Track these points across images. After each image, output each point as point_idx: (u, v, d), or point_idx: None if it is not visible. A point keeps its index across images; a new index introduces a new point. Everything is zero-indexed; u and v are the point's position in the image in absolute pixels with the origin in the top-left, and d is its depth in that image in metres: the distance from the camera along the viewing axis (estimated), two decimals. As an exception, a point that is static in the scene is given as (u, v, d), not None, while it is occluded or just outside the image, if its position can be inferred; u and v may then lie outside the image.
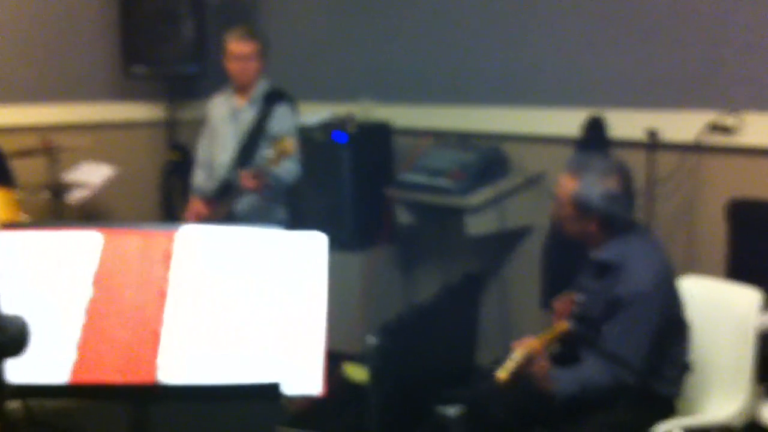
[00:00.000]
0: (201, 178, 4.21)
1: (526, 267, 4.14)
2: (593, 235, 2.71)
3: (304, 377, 1.66)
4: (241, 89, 4.06)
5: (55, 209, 4.86)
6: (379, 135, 4.65)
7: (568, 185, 2.69)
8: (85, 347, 1.70)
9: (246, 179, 3.75)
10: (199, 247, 1.82)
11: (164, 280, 1.77)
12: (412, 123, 4.60)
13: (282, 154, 3.68)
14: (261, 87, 4.06)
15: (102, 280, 1.78)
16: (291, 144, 3.68)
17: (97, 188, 5.00)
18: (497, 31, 4.20)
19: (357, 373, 4.08)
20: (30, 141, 4.76)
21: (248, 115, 4.04)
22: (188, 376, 1.65)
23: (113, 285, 1.77)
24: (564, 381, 2.57)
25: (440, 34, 4.47)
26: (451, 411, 3.54)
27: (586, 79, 3.85)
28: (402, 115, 4.62)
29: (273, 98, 4.05)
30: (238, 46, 3.96)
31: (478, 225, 4.01)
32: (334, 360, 4.20)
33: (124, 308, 1.74)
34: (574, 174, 2.69)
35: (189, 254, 1.81)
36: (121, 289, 1.76)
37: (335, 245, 4.42)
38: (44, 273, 1.79)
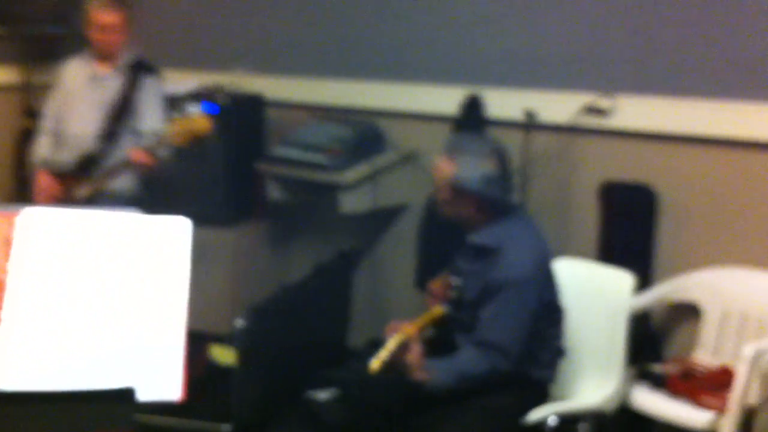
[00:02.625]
0: (46, 150, 3.85)
1: (400, 246, 4.08)
2: (471, 218, 2.65)
3: (162, 380, 1.48)
4: (104, 57, 3.78)
5: None
6: (251, 107, 4.46)
7: (445, 168, 2.62)
8: None
9: (138, 154, 3.48)
10: (43, 232, 1.60)
11: (2, 269, 1.55)
12: (286, 96, 4.44)
13: (195, 134, 3.43)
14: (126, 56, 3.79)
15: None
16: (208, 123, 3.43)
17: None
18: (377, 4, 4.08)
19: (224, 355, 3.92)
20: None
21: (111, 84, 3.76)
22: (30, 381, 1.45)
23: None
24: (439, 371, 2.51)
25: (317, 4, 4.31)
26: (323, 395, 3.44)
27: (464, 57, 3.79)
28: (275, 88, 4.45)
29: (139, 68, 3.79)
30: (102, 16, 3.67)
31: (352, 202, 3.91)
32: (200, 341, 4.07)
33: None
34: (451, 156, 2.62)
35: (32, 240, 1.59)
36: None
37: (204, 220, 4.25)
38: None
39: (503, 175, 2.63)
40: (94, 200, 3.63)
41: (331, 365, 3.87)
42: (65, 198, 3.65)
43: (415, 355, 2.47)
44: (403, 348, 2.43)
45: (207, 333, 4.16)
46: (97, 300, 1.53)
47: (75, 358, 1.47)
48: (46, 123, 3.89)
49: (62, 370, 1.45)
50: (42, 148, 3.84)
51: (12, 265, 1.55)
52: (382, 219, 4.14)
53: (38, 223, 1.60)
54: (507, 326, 2.52)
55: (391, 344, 2.42)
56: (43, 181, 3.72)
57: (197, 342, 4.12)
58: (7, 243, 1.57)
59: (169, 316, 1.53)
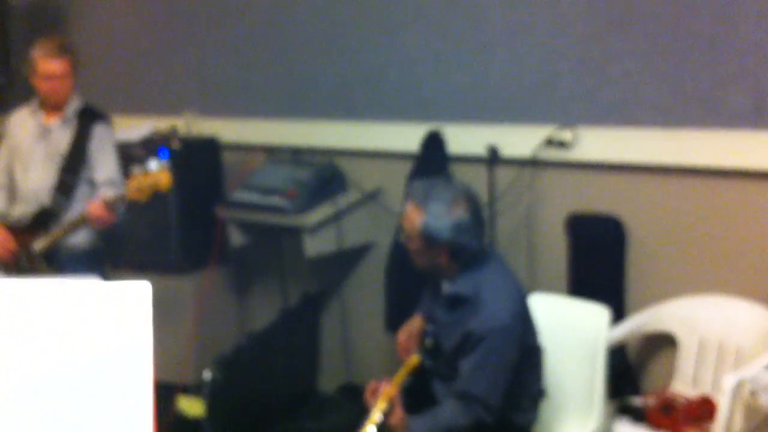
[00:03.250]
0: (1, 203, 3.74)
1: (367, 286, 4.01)
2: (444, 267, 2.58)
3: None
4: (51, 107, 3.67)
5: None
6: (205, 151, 4.38)
7: (414, 218, 2.55)
8: None
9: (98, 208, 3.37)
10: None
11: None
12: (242, 138, 4.37)
13: (156, 190, 3.34)
14: (74, 104, 3.68)
15: None
16: (169, 178, 3.34)
17: None
18: (331, 41, 4.04)
19: (191, 407, 3.82)
20: None
21: (62, 134, 3.64)
22: None
23: None
24: (423, 428, 2.45)
25: (270, 42, 4.25)
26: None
27: (424, 94, 3.76)
28: (230, 130, 4.38)
29: (88, 116, 3.68)
30: (48, 65, 3.55)
31: (315, 244, 3.84)
32: (166, 392, 3.95)
33: None
34: (419, 205, 2.55)
35: None
36: None
37: (162, 269, 4.16)
38: None
39: (474, 221, 2.57)
40: (52, 254, 3.52)
41: (302, 412, 3.80)
42: (22, 253, 3.53)
43: (398, 417, 2.41)
44: (387, 412, 2.37)
45: (172, 383, 4.06)
46: (51, 376, 1.40)
47: None
48: None
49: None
50: None
51: None
52: (348, 260, 4.08)
53: None
54: (489, 377, 2.46)
55: (376, 415, 2.36)
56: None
57: (164, 393, 4.02)
58: None
59: (134, 393, 1.43)
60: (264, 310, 4.33)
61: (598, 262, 3.28)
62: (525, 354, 2.56)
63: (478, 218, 2.59)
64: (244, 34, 4.35)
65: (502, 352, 2.47)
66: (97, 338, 1.45)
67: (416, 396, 2.58)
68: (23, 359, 1.42)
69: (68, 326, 1.46)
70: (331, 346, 4.15)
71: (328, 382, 4.05)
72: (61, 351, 1.44)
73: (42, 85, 3.58)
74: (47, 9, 5.19)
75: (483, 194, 3.30)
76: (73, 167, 3.60)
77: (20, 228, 3.59)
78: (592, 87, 3.29)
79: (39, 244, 3.51)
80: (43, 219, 3.56)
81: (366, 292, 4.02)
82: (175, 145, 4.18)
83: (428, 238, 2.52)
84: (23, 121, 3.72)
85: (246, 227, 4.12)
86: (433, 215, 2.51)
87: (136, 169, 3.40)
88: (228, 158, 4.40)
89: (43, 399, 1.39)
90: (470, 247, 2.56)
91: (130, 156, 3.98)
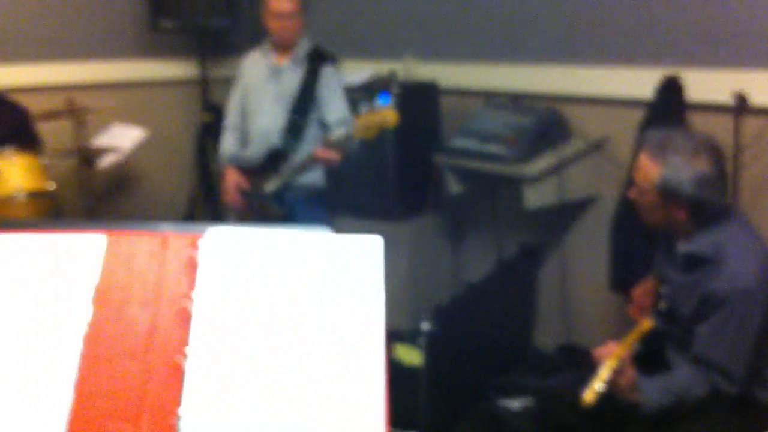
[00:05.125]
0: (233, 144, 3.86)
1: (590, 242, 3.80)
2: (681, 225, 2.37)
3: (361, 416, 1.31)
4: (282, 48, 3.72)
5: (83, 176, 4.60)
6: (424, 95, 4.32)
7: (649, 170, 2.34)
8: (83, 386, 1.32)
9: (323, 151, 3.42)
10: (231, 255, 1.45)
11: (187, 297, 1.40)
12: (461, 82, 4.25)
13: (382, 128, 3.33)
14: (304, 46, 3.72)
15: (104, 297, 1.41)
16: (395, 116, 3.31)
17: (128, 153, 4.72)
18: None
19: (409, 355, 3.81)
20: (55, 102, 4.48)
21: (292, 75, 3.70)
22: (218, 424, 1.30)
23: (119, 303, 1.40)
24: (653, 392, 2.28)
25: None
26: (515, 405, 3.27)
27: (658, 34, 3.44)
28: (449, 74, 4.27)
29: (317, 58, 3.71)
30: (279, 3, 3.62)
31: (535, 195, 3.68)
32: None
33: (135, 333, 1.37)
34: (655, 156, 2.34)
35: (219, 264, 1.43)
36: (129, 309, 1.40)
37: (378, 214, 4.17)
38: (33, 288, 1.41)
39: (718, 174, 2.33)
40: (282, 194, 3.60)
41: (519, 368, 3.70)
42: (253, 193, 3.64)
43: (628, 377, 2.25)
44: (616, 374, 2.21)
45: (388, 330, 4.08)
46: (287, 326, 1.38)
47: (267, 390, 1.32)
48: (231, 118, 3.89)
49: (253, 403, 1.31)
50: (228, 144, 3.86)
51: (197, 293, 1.41)
52: (569, 213, 3.88)
53: (226, 244, 1.47)
54: (730, 343, 2.25)
55: (604, 373, 2.21)
56: (231, 177, 3.73)
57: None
58: (192, 267, 1.43)
59: (366, 345, 1.37)
60: (478, 261, 4.24)
61: None
62: (772, 322, 2.31)
63: (722, 172, 2.35)
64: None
65: (744, 317, 2.24)
66: (331, 289, 1.42)
67: (648, 362, 2.40)
68: (262, 306, 1.40)
69: (304, 275, 1.44)
70: (550, 302, 3.99)
71: (546, 339, 3.91)
72: (297, 299, 1.41)
73: (272, 24, 3.65)
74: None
75: (726, 147, 3.00)
76: (303, 108, 3.65)
77: (251, 169, 3.70)
78: None
79: (269, 186, 3.60)
80: (273, 160, 3.64)
81: (588, 248, 3.81)
82: (395, 89, 4.14)
83: (666, 193, 2.32)
84: (255, 62, 3.81)
85: (463, 174, 4.02)
86: (672, 168, 2.30)
87: (363, 108, 3.39)
88: (446, 103, 4.31)
89: (278, 346, 1.36)
90: (712, 204, 2.32)
91: (351, 99, 3.99)
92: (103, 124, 4.77)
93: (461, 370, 3.40)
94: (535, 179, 3.65)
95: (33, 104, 4.45)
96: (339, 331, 1.38)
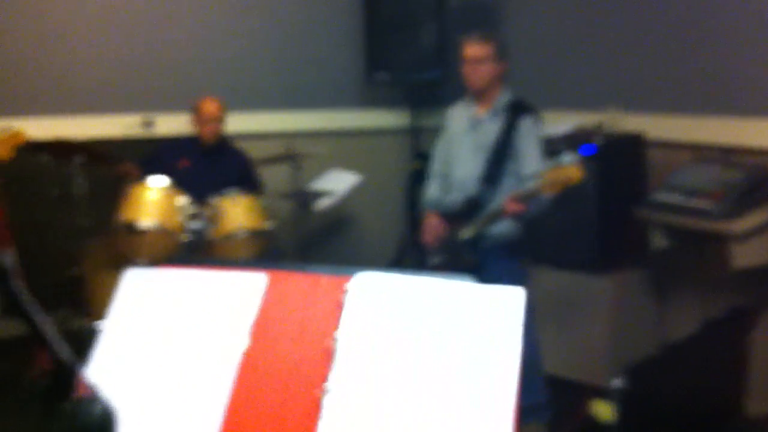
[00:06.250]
0: (436, 192, 4.00)
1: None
2: None
3: None
4: (479, 97, 3.82)
5: (299, 217, 4.92)
6: (629, 147, 4.25)
7: None
8: (234, 409, 1.48)
9: (511, 203, 3.49)
10: (375, 299, 1.55)
11: (331, 336, 1.52)
12: (668, 135, 4.14)
13: (566, 185, 3.35)
14: (503, 97, 3.80)
15: (260, 330, 1.56)
16: (580, 173, 3.32)
17: (342, 197, 5.00)
18: (766, 29, 3.64)
19: (603, 411, 3.73)
20: (275, 148, 4.85)
21: (490, 126, 3.78)
22: None
23: (272, 336, 1.55)
24: None
25: (699, 34, 3.98)
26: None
27: None
28: (656, 126, 4.18)
29: (516, 110, 3.77)
30: (470, 49, 3.74)
31: (744, 254, 3.52)
32: (577, 392, 3.92)
33: (283, 365, 1.51)
34: None
35: (363, 307, 1.54)
36: (280, 342, 1.54)
37: (578, 266, 4.13)
38: (199, 316, 1.60)
39: None
40: (476, 243, 3.67)
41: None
42: (450, 239, 3.74)
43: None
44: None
45: (582, 383, 4.02)
46: (423, 371, 1.45)
47: (398, 430, 1.40)
48: (435, 166, 4.04)
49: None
50: (431, 190, 4.01)
51: (341, 332, 1.52)
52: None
53: (371, 289, 1.57)
54: None
55: None
56: (431, 222, 3.85)
57: (574, 393, 4.01)
58: (338, 308, 1.55)
59: (498, 397, 1.40)
60: (682, 318, 4.07)
61: None
62: None
63: None
64: (669, 25, 4.12)
65: None
66: (469, 338, 1.47)
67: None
68: (401, 349, 1.49)
69: (445, 323, 1.50)
70: (763, 367, 3.75)
71: (758, 405, 3.68)
72: (435, 345, 1.48)
73: (464, 69, 3.76)
74: (483, 7, 5.43)
75: None
76: (499, 159, 3.71)
77: (450, 215, 3.81)
78: None
79: (464, 233, 3.68)
80: (470, 208, 3.73)
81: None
82: (599, 141, 4.11)
83: None
84: (459, 112, 3.94)
85: (667, 229, 3.90)
86: None
87: (549, 163, 3.41)
88: (653, 156, 4.21)
89: (413, 389, 1.44)
90: None
91: (553, 151, 4.00)
92: (320, 169, 5.09)
93: (658, 430, 3.27)
94: (744, 237, 3.48)
95: (256, 149, 4.85)
96: (473, 378, 1.43)
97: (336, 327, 1.53)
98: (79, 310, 4.42)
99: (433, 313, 1.52)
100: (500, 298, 1.52)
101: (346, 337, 1.51)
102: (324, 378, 1.47)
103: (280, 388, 1.48)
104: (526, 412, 3.69)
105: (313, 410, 1.44)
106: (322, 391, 1.46)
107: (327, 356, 1.50)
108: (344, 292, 1.57)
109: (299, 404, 1.45)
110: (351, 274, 1.59)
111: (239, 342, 1.55)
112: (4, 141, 3.71)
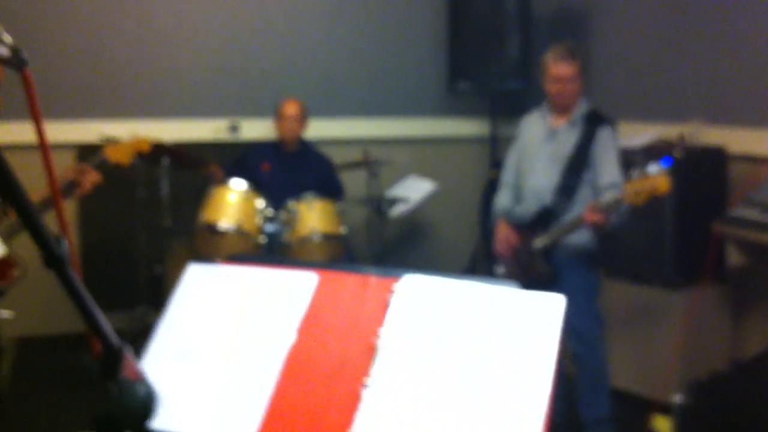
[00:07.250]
0: (507, 201, 3.98)
1: None
2: None
3: None
4: (560, 110, 3.81)
5: (375, 222, 4.99)
6: (710, 161, 4.16)
7: None
8: (278, 400, 1.54)
9: (591, 213, 3.46)
10: (420, 300, 1.60)
11: (375, 334, 1.57)
12: (751, 149, 4.04)
13: (653, 194, 3.30)
14: (581, 108, 3.77)
15: (308, 326, 1.63)
16: (667, 183, 3.27)
17: (418, 204, 5.05)
18: None
19: (663, 425, 3.67)
20: (355, 154, 4.93)
21: (567, 136, 3.76)
22: None
23: (319, 333, 1.61)
24: None
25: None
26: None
27: None
28: (738, 140, 4.08)
29: (594, 120, 3.74)
30: (557, 68, 3.70)
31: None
32: (641, 407, 3.86)
33: (327, 360, 1.57)
34: None
35: (408, 308, 1.59)
36: (327, 339, 1.60)
37: (653, 280, 4.06)
38: (251, 310, 1.68)
39: None
40: (550, 252, 3.66)
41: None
42: (522, 249, 3.74)
43: None
44: None
45: (649, 399, 3.95)
46: (461, 371, 1.49)
47: (433, 429, 1.44)
48: (507, 175, 4.03)
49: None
50: (503, 199, 3.99)
51: (385, 331, 1.57)
52: None
53: (417, 291, 1.62)
54: None
55: None
56: (503, 231, 3.85)
57: (637, 407, 3.94)
58: (384, 308, 1.60)
59: (530, 403, 1.43)
60: (756, 337, 3.97)
61: None
62: None
63: None
64: (754, 37, 4.02)
65: None
66: (507, 342, 1.51)
67: None
68: (441, 348, 1.53)
69: (485, 326, 1.54)
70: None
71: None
72: (474, 348, 1.52)
73: (551, 88, 3.74)
74: (569, 16, 5.40)
75: None
76: (576, 169, 3.68)
77: (523, 225, 3.80)
78: None
79: (539, 242, 3.68)
80: (544, 218, 3.72)
81: None
82: (678, 153, 4.04)
83: None
84: (534, 122, 3.93)
85: (746, 246, 3.82)
86: None
87: (634, 173, 3.35)
88: (734, 170, 4.12)
89: (450, 388, 1.48)
90: None
91: (631, 162, 3.95)
92: (398, 176, 5.15)
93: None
94: (824, 256, 3.38)
95: (338, 155, 4.94)
96: (507, 381, 1.46)
97: (380, 325, 1.58)
98: (160, 307, 4.58)
99: (473, 315, 1.56)
100: (540, 304, 1.54)
101: (390, 335, 1.57)
102: (365, 373, 1.52)
103: (322, 381, 1.54)
104: (590, 426, 3.67)
105: (352, 403, 1.49)
106: (363, 385, 1.51)
107: (370, 352, 1.55)
108: (391, 292, 1.62)
109: (340, 397, 1.51)
110: (399, 275, 1.64)
111: (287, 337, 1.62)
112: (129, 146, 3.70)
